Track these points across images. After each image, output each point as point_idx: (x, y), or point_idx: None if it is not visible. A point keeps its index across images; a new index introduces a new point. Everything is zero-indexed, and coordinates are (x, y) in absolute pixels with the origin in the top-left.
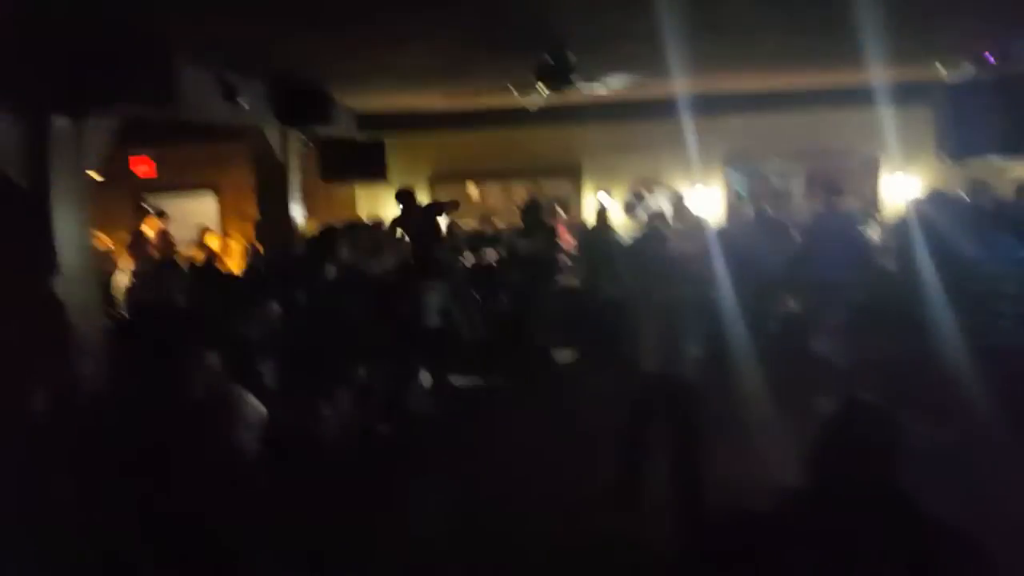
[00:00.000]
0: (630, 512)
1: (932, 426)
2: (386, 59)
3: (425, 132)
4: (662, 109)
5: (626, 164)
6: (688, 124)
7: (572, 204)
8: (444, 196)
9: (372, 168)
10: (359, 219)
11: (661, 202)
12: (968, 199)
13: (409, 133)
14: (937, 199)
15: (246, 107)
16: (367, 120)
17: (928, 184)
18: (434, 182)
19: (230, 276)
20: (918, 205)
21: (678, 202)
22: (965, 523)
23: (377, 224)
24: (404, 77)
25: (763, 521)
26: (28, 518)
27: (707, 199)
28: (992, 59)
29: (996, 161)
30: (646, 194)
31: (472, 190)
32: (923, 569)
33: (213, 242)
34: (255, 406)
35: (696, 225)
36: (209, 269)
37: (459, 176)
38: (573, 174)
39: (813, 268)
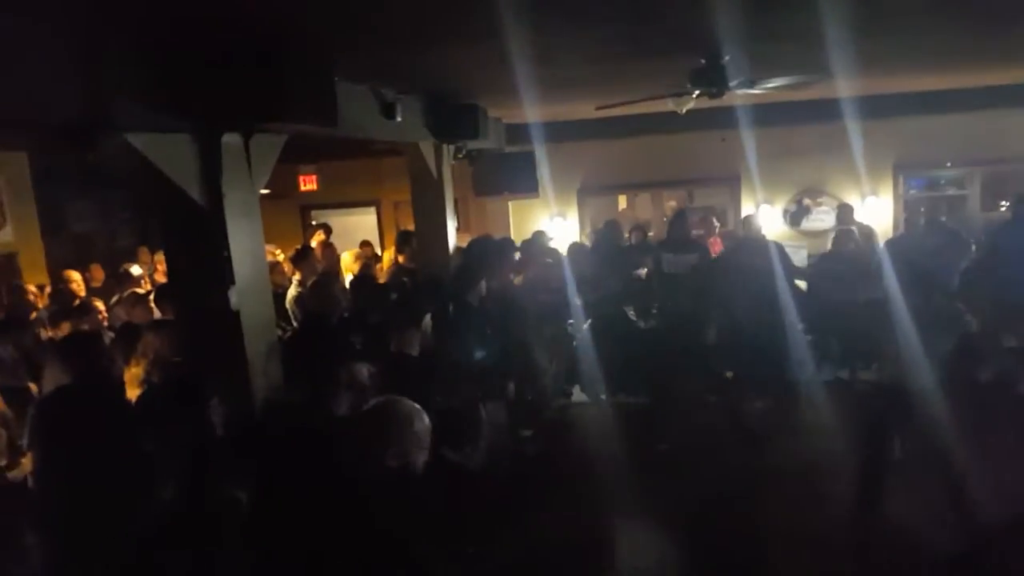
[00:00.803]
0: None
1: None
2: (537, 71)
3: (575, 143)
4: (825, 112)
5: (787, 173)
6: (854, 128)
7: (730, 214)
8: (593, 207)
9: (523, 182)
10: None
11: (824, 213)
12: None
13: (559, 144)
14: None
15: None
16: (517, 132)
17: None
18: (583, 193)
19: (387, 289)
20: None
21: (845, 212)
22: None
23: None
24: (555, 88)
25: None
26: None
27: (877, 209)
28: None
29: None
30: (810, 203)
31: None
32: None
33: (373, 256)
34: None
35: (867, 236)
36: (368, 282)
37: (609, 188)
38: (731, 183)
39: (993, 282)
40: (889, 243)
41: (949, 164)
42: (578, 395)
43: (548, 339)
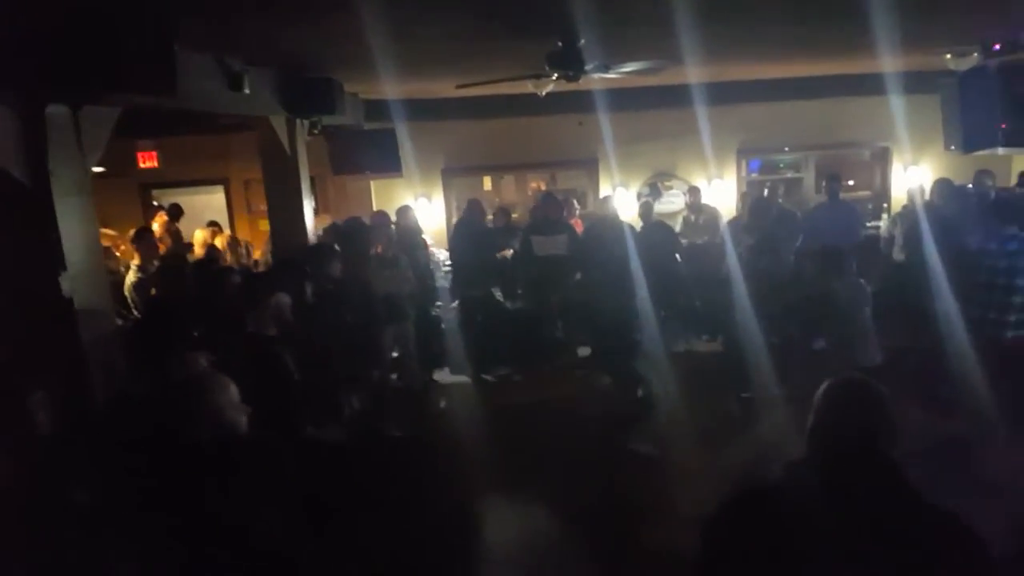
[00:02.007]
0: None
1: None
2: (393, 46)
3: (437, 122)
4: (676, 98)
5: (641, 156)
6: (702, 114)
7: (589, 196)
8: (458, 188)
9: (384, 160)
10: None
11: (675, 195)
12: (973, 189)
13: (422, 123)
14: (944, 189)
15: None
16: (377, 109)
17: (937, 174)
18: (448, 174)
19: (237, 272)
20: (924, 196)
21: (693, 192)
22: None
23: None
24: (414, 64)
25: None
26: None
27: (722, 191)
28: (999, 48)
29: (1003, 151)
30: (660, 187)
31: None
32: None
33: (199, 241)
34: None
35: (711, 217)
36: (216, 265)
37: (473, 169)
38: (590, 166)
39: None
40: (732, 225)
41: (787, 149)
42: (448, 376)
43: (412, 321)
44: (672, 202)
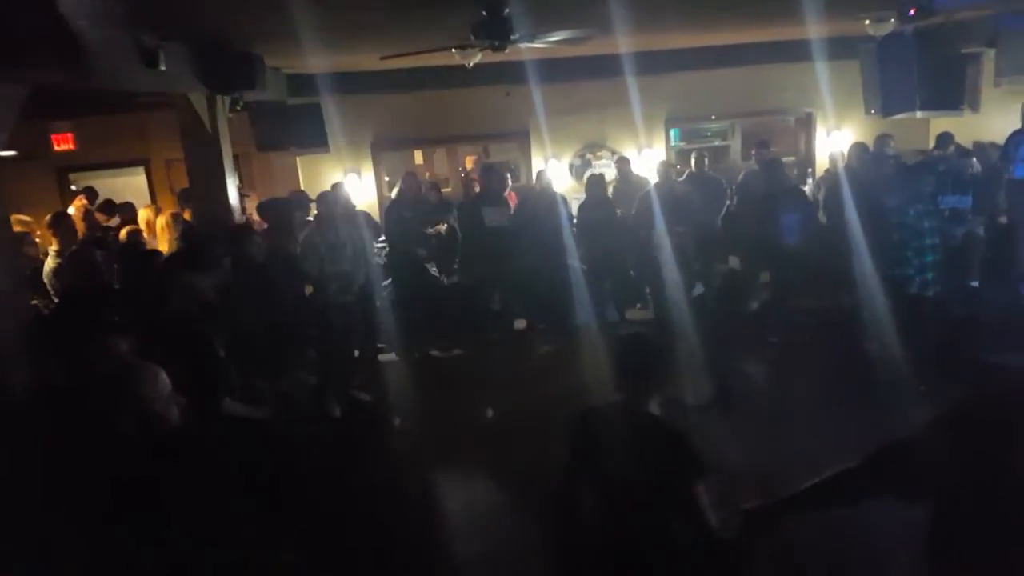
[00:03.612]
0: None
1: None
2: (315, 16)
3: (365, 95)
4: (605, 68)
5: (572, 127)
6: (631, 84)
7: (522, 169)
8: (389, 163)
9: (310, 135)
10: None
11: (606, 165)
12: (889, 152)
13: (349, 97)
14: (859, 153)
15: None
16: (302, 83)
17: (859, 139)
18: (377, 148)
19: (159, 255)
20: (844, 159)
21: (622, 162)
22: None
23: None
24: (337, 35)
25: None
26: None
27: (652, 160)
28: (913, 13)
29: (920, 115)
30: (591, 157)
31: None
32: None
33: (143, 220)
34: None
35: (641, 186)
36: (138, 249)
37: (404, 142)
38: (522, 138)
39: (749, 224)
40: (658, 188)
41: (714, 117)
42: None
43: (349, 297)
44: (603, 172)
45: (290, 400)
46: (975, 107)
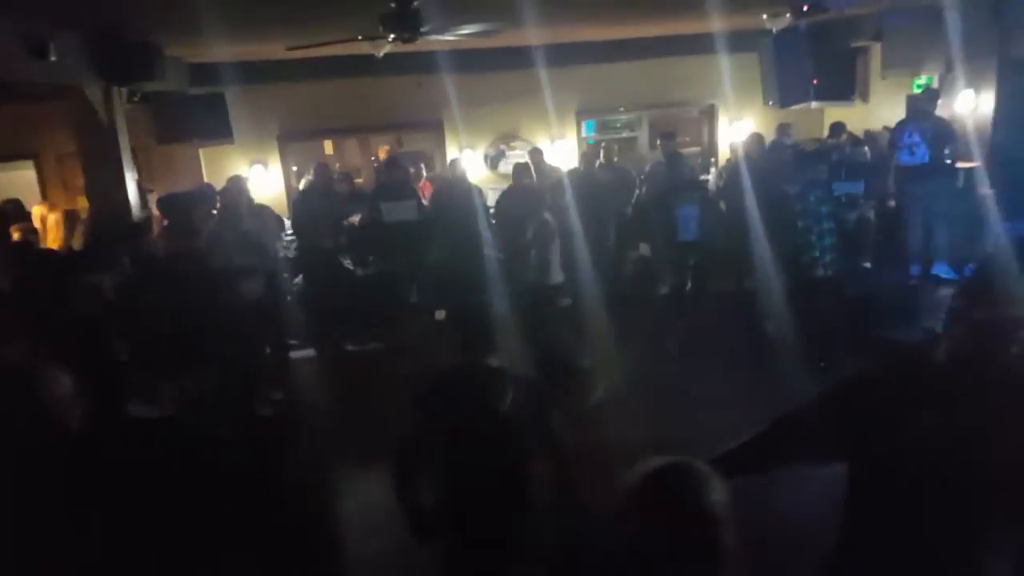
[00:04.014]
0: None
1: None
2: (219, 6)
3: (272, 85)
4: (517, 60)
5: (486, 118)
6: (543, 75)
7: (436, 159)
8: (297, 154)
9: (213, 127)
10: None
11: (520, 156)
12: (788, 141)
13: (254, 86)
14: (755, 143)
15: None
16: (203, 72)
17: (759, 129)
18: (284, 139)
19: (56, 254)
20: (744, 149)
21: (536, 153)
22: None
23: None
24: (240, 25)
25: None
26: None
27: (564, 151)
28: (807, 8)
29: (815, 105)
30: (505, 148)
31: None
32: None
33: (37, 217)
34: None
35: (554, 177)
36: (28, 247)
37: (313, 133)
38: (435, 128)
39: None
40: (570, 175)
41: (622, 109)
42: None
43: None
44: (527, 162)
45: (197, 400)
46: (865, 97)
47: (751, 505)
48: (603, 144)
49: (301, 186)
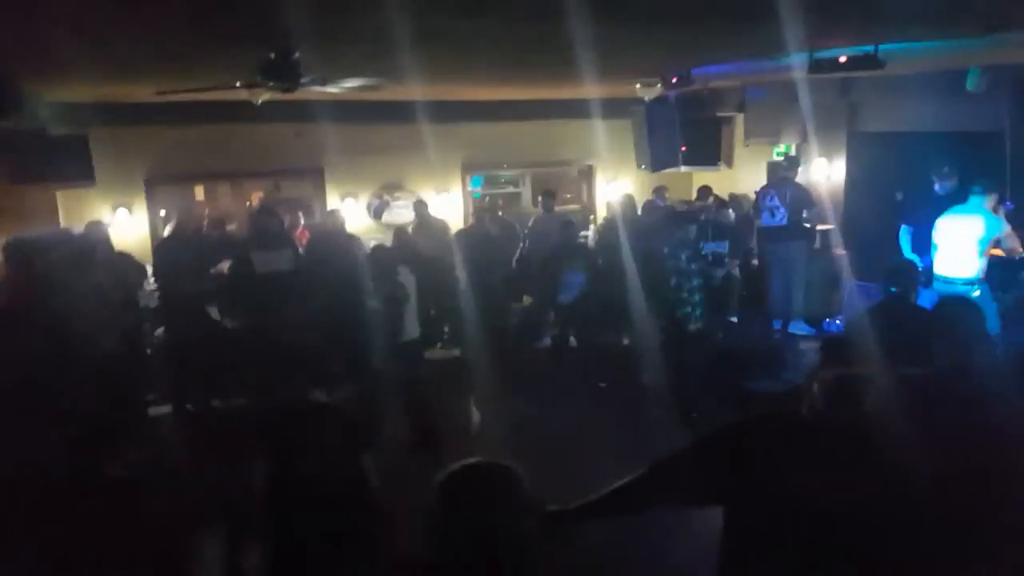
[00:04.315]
0: None
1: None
2: (82, 49)
3: (140, 127)
4: (402, 114)
5: (370, 168)
6: (428, 130)
7: (315, 207)
8: (166, 199)
9: (74, 168)
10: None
11: (404, 207)
12: (660, 203)
13: (121, 128)
14: (628, 204)
15: None
16: (66, 112)
17: (634, 190)
18: (152, 183)
19: None
20: (618, 209)
21: (420, 205)
22: None
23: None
24: (111, 69)
25: None
26: None
27: (449, 204)
28: (675, 81)
29: (684, 170)
30: (389, 199)
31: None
32: None
33: None
34: None
35: (438, 228)
36: None
37: (183, 177)
38: (315, 175)
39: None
40: (459, 234)
41: (506, 165)
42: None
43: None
44: (401, 213)
45: (44, 461)
46: (729, 163)
47: (631, 542)
48: (487, 198)
49: (165, 232)
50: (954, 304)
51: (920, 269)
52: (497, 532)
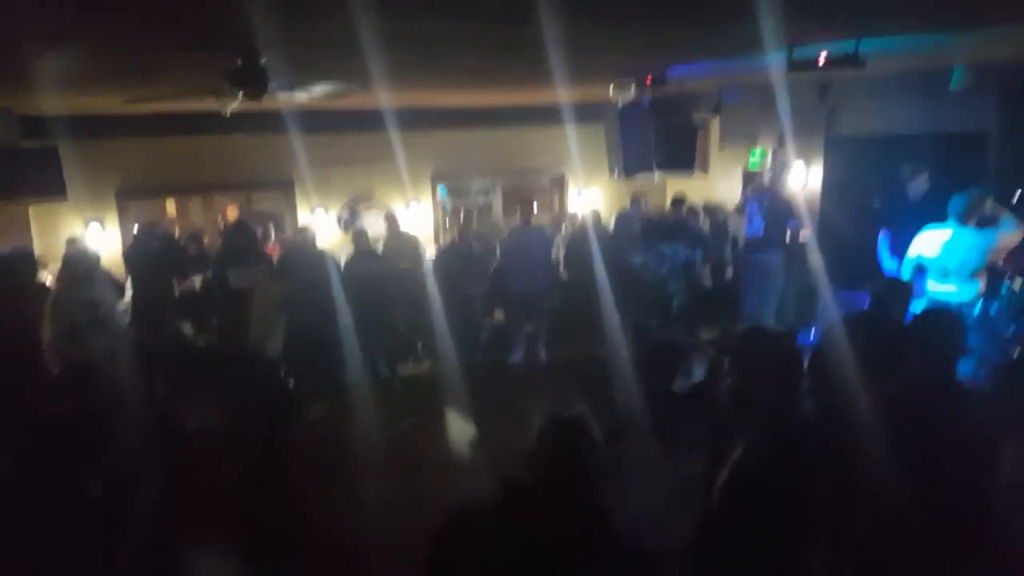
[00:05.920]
0: None
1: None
2: (46, 55)
3: (111, 139)
4: (372, 122)
5: (340, 179)
6: (397, 139)
7: (287, 220)
8: (138, 212)
9: (44, 182)
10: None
11: (374, 219)
12: (635, 213)
13: (91, 141)
14: (597, 217)
15: None
16: (34, 125)
17: (607, 198)
18: (123, 197)
19: None
20: (592, 219)
21: (391, 219)
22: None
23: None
24: (75, 76)
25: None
26: None
27: (419, 214)
28: (649, 83)
29: (657, 176)
30: (360, 211)
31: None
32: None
33: None
34: None
35: (408, 242)
36: None
37: (155, 190)
38: (286, 188)
39: (511, 279)
40: (443, 251)
41: (476, 175)
42: None
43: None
44: (371, 225)
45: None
46: (705, 169)
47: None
48: (462, 210)
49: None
50: (932, 315)
51: (905, 283)
52: (581, 455)
